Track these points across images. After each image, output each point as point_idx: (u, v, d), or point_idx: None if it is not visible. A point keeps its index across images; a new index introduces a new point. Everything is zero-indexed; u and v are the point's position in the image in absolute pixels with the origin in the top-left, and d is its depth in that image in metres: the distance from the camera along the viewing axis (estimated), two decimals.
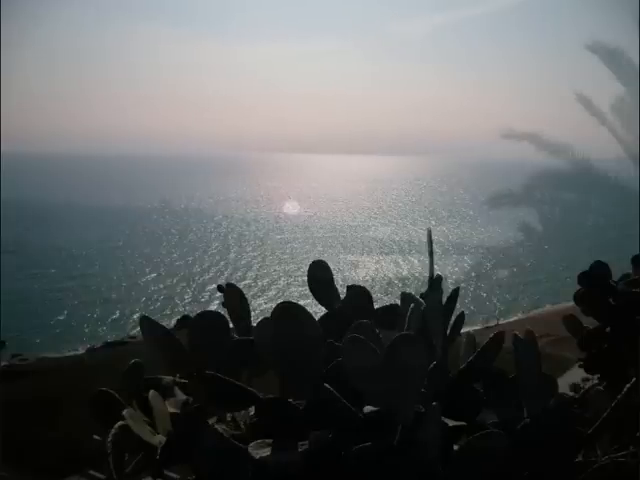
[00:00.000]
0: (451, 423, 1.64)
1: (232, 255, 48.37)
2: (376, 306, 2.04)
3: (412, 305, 1.86)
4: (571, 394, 1.94)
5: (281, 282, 39.47)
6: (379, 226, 65.86)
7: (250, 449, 1.51)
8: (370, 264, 46.45)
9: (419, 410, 1.55)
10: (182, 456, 1.56)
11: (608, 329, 3.01)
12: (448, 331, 1.88)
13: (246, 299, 2.03)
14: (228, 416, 1.76)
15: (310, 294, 2.05)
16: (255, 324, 1.81)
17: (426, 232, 2.04)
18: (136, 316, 28.58)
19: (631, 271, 3.21)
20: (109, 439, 1.56)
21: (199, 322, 1.83)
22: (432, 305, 1.86)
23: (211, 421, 1.69)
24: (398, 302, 2.01)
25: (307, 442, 1.53)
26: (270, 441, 1.54)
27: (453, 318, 1.90)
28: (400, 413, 1.55)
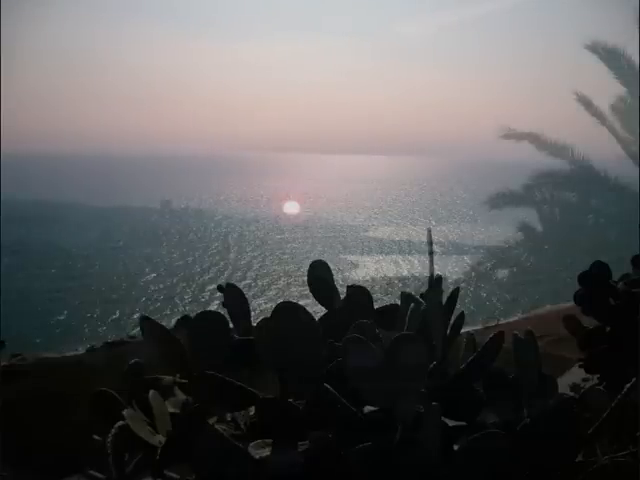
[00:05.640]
0: (451, 423, 1.64)
1: (232, 255, 48.22)
2: (376, 306, 2.04)
3: (412, 305, 1.86)
4: (571, 394, 1.94)
5: (281, 282, 39.36)
6: (379, 226, 65.69)
7: (250, 449, 1.51)
8: (370, 264, 46.31)
9: (419, 410, 1.55)
10: (182, 456, 1.56)
11: (608, 329, 3.02)
12: (448, 331, 1.88)
13: (246, 299, 2.03)
14: (228, 416, 1.76)
15: (310, 294, 2.05)
16: (255, 324, 1.81)
17: (426, 232, 2.05)
18: (136, 316, 28.50)
19: (631, 271, 3.22)
20: (109, 439, 1.56)
21: (199, 322, 1.83)
22: (432, 305, 1.86)
23: (211, 421, 1.69)
24: (398, 302, 2.01)
25: (307, 442, 1.53)
26: (270, 441, 1.54)
27: (453, 318, 1.91)
28: (400, 413, 1.56)
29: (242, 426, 1.73)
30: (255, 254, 48.12)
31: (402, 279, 39.46)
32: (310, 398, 1.62)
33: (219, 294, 2.04)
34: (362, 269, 43.88)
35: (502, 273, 23.60)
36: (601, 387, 2.20)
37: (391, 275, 41.88)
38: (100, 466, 1.64)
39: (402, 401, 1.56)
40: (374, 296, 2.04)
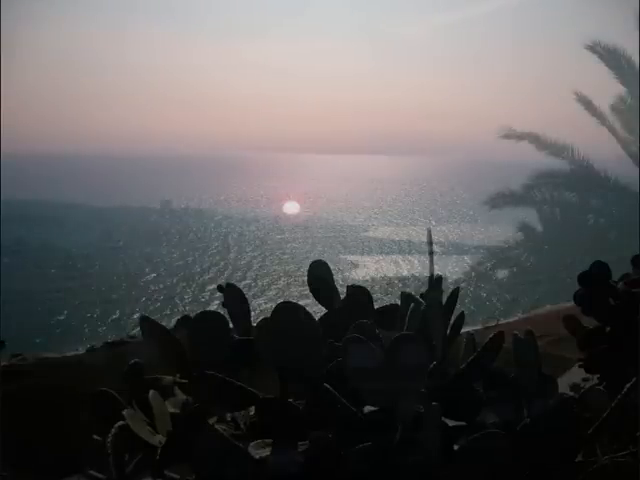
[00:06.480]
0: (451, 423, 1.64)
1: (232, 255, 48.21)
2: (376, 306, 2.04)
3: (412, 305, 1.86)
4: (571, 394, 1.94)
5: (281, 282, 39.35)
6: (379, 226, 65.68)
7: (250, 449, 1.51)
8: (370, 264, 46.31)
9: (419, 410, 1.55)
10: (182, 456, 1.56)
11: (608, 329, 3.02)
12: (448, 331, 1.88)
13: (246, 299, 2.03)
14: (228, 416, 1.76)
15: (310, 294, 2.05)
16: (255, 324, 1.81)
17: (426, 232, 2.05)
18: (136, 316, 28.47)
19: (631, 271, 3.22)
20: (109, 439, 1.56)
21: (199, 322, 1.83)
22: (432, 305, 1.86)
23: (211, 421, 1.69)
24: (398, 302, 2.01)
25: (307, 442, 1.53)
26: (270, 441, 1.54)
27: (453, 318, 1.91)
28: (400, 413, 1.56)
29: (242, 426, 1.73)
30: (255, 254, 48.09)
31: (402, 279, 39.43)
32: (310, 398, 1.62)
33: (219, 294, 2.04)
34: (362, 269, 43.86)
35: (502, 273, 23.62)
36: (601, 387, 2.20)
37: (391, 275, 41.85)
38: (100, 466, 1.64)
39: (402, 401, 1.56)
40: (374, 296, 2.04)
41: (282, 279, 39.70)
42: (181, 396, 1.81)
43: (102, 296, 33.94)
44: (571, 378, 3.34)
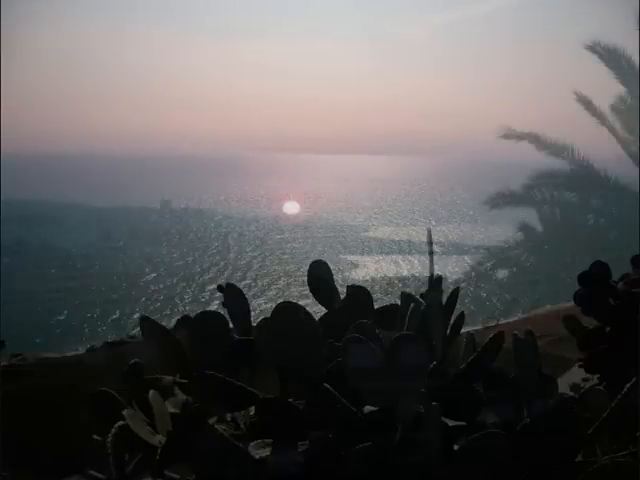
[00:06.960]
0: (451, 423, 1.64)
1: (232, 255, 48.21)
2: (376, 306, 2.04)
3: (412, 305, 1.86)
4: (571, 394, 1.94)
5: (281, 282, 39.34)
6: (379, 226, 65.68)
7: (250, 449, 1.51)
8: (370, 264, 46.30)
9: (419, 410, 1.55)
10: (182, 456, 1.56)
11: (608, 329, 3.02)
12: (448, 331, 1.88)
13: (246, 299, 2.03)
14: (228, 416, 1.76)
15: (310, 294, 2.05)
16: (255, 324, 1.81)
17: (426, 232, 2.05)
18: (136, 316, 28.46)
19: (631, 271, 3.22)
20: (109, 439, 1.56)
21: (199, 322, 1.83)
22: (432, 305, 1.86)
23: (211, 421, 1.69)
24: (398, 302, 2.01)
25: (307, 442, 1.53)
26: (270, 441, 1.54)
27: (453, 318, 1.91)
28: (400, 413, 1.56)
29: (242, 426, 1.73)
30: (255, 254, 48.07)
31: (402, 279, 39.41)
32: (310, 398, 1.62)
33: (219, 294, 2.04)
34: (362, 269, 43.85)
35: (502, 273, 23.62)
36: (601, 387, 2.20)
37: (391, 275, 41.83)
38: (100, 466, 1.64)
39: (402, 401, 1.56)
40: (374, 296, 2.04)
41: (282, 279, 39.67)
42: (181, 396, 1.81)
43: (102, 296, 33.92)
44: (571, 378, 3.34)
